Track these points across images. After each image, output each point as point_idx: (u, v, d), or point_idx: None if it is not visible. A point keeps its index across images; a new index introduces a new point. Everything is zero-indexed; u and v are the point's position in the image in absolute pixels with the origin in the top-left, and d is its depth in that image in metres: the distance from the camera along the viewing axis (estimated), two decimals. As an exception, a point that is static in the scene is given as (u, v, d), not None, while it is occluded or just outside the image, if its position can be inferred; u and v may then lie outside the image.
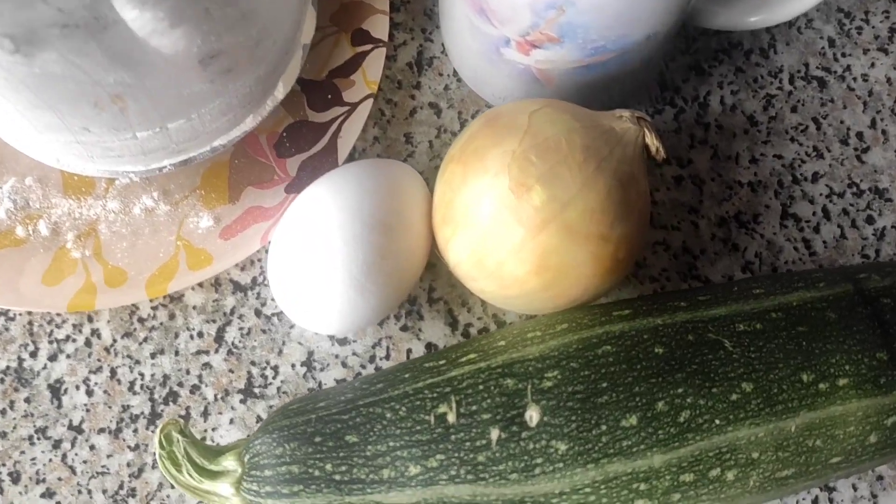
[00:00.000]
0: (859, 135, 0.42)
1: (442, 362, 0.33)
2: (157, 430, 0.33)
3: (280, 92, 0.40)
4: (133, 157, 0.38)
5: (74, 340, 0.40)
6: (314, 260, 0.35)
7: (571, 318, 0.34)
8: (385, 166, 0.38)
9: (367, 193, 0.36)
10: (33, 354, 0.40)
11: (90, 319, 0.40)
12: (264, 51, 0.37)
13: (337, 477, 0.32)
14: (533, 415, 0.31)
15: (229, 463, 0.33)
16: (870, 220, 0.41)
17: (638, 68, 0.39)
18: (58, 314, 0.40)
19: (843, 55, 0.43)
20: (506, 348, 0.33)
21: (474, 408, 0.31)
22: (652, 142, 0.35)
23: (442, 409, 0.32)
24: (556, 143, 0.33)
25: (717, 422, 0.30)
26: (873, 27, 0.44)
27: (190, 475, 0.33)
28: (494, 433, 0.31)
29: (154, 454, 0.38)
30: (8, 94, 0.32)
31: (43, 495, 0.38)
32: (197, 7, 0.31)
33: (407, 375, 0.33)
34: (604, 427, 0.31)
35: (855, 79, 0.43)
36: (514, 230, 0.33)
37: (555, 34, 0.34)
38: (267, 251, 0.40)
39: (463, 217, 0.34)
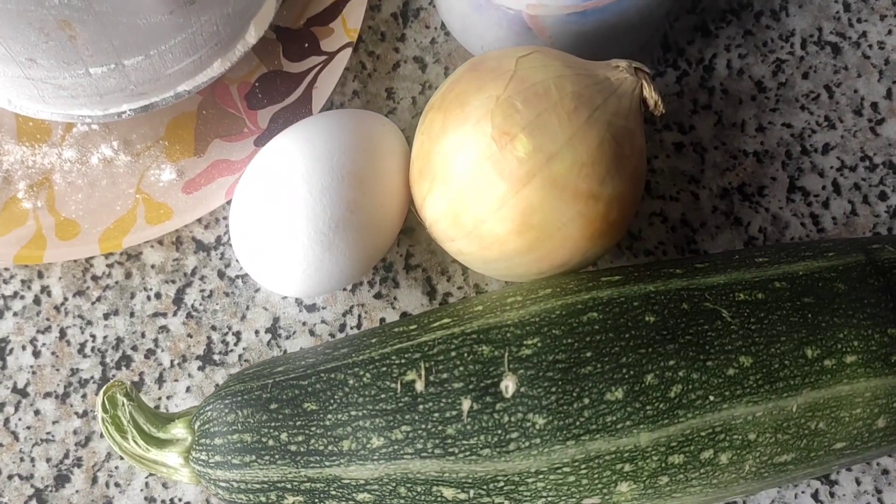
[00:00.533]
0: (874, 105, 0.39)
1: (413, 327, 0.30)
2: (101, 393, 0.30)
3: (251, 36, 0.37)
4: (89, 99, 0.35)
5: (22, 297, 0.37)
6: (278, 214, 0.32)
7: (556, 283, 0.31)
8: (360, 117, 0.35)
9: (337, 144, 0.33)
10: (-23, 311, 0.37)
11: (40, 276, 0.37)
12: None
13: (293, 448, 0.29)
14: (509, 385, 0.28)
15: (178, 430, 0.31)
16: (882, 196, 0.38)
17: (638, 22, 0.36)
18: (6, 269, 0.37)
19: (859, 21, 0.40)
20: (482, 313, 0.30)
21: (445, 376, 0.28)
22: (650, 94, 0.32)
23: (410, 376, 0.29)
24: (544, 89, 0.30)
25: (712, 398, 0.28)
26: (892, -9, 0.41)
27: (136, 442, 0.30)
28: (466, 404, 0.28)
29: (97, 415, 0.35)
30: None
31: (-20, 462, 0.35)
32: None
33: (374, 340, 0.30)
34: (586, 400, 0.28)
35: (871, 46, 0.40)
36: (495, 184, 0.30)
37: (548, -26, 0.31)
38: (233, 208, 0.37)
39: (441, 170, 0.31)
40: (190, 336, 0.37)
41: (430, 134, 0.32)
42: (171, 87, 0.36)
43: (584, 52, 0.37)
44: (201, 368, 0.36)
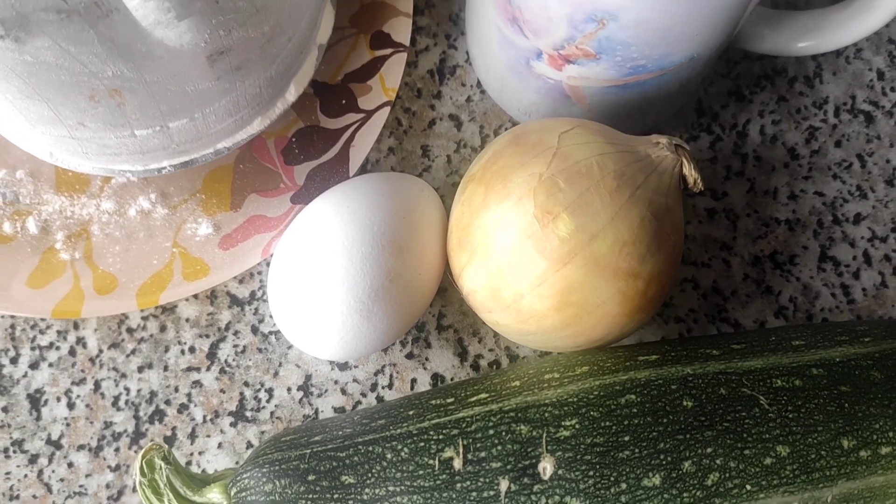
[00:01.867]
0: (907, 175, 0.40)
1: (450, 400, 0.31)
2: (139, 456, 0.30)
3: (291, 94, 0.37)
4: (131, 156, 0.35)
5: (58, 348, 0.37)
6: (317, 280, 0.32)
7: (593, 360, 0.31)
8: (399, 181, 0.35)
9: (378, 211, 0.33)
10: (14, 361, 0.37)
11: (76, 326, 0.37)
12: (277, 49, 0.34)
13: (329, 519, 0.29)
14: (547, 466, 0.28)
15: (214, 495, 0.31)
16: (914, 268, 0.39)
17: (676, 91, 0.36)
18: (42, 319, 0.37)
19: (893, 89, 0.41)
20: (520, 389, 0.30)
21: (483, 454, 0.29)
22: (690, 173, 0.32)
23: (448, 453, 0.29)
24: (587, 167, 0.30)
25: (749, 487, 0.28)
26: (927, 61, 0.41)
27: (171, 505, 0.31)
28: (504, 484, 0.28)
29: (135, 478, 0.36)
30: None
31: (13, 513, 0.36)
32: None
33: (411, 412, 0.31)
34: (623, 485, 0.28)
35: (905, 115, 0.40)
36: (535, 261, 0.30)
37: (592, 49, 0.32)
38: (268, 264, 0.38)
39: (481, 243, 0.32)
40: (223, 391, 0.37)
41: (470, 206, 0.32)
42: (212, 144, 0.36)
43: (621, 118, 0.37)
44: (233, 425, 0.37)
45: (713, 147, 0.40)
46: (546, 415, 0.29)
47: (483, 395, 0.30)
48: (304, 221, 0.34)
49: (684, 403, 0.29)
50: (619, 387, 0.29)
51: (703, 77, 0.38)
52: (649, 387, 0.29)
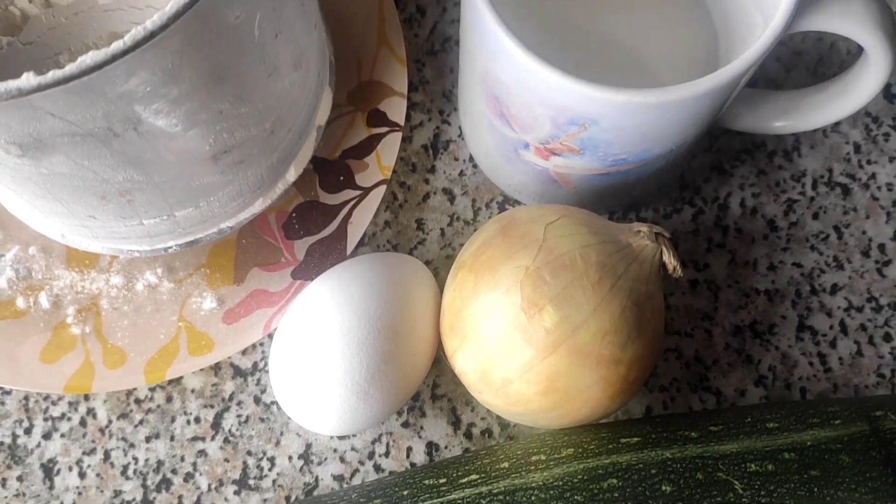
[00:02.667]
0: (881, 247, 0.41)
1: (442, 481, 0.32)
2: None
3: (291, 175, 0.39)
4: (139, 239, 0.37)
5: (69, 419, 0.39)
6: (316, 363, 0.34)
7: (578, 441, 0.33)
8: (394, 262, 0.37)
9: (374, 296, 0.35)
10: (28, 431, 0.39)
11: (86, 398, 0.39)
12: (278, 140, 0.36)
13: None
14: (533, 549, 0.30)
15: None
16: (887, 338, 0.40)
17: (659, 174, 0.38)
18: (53, 390, 0.39)
19: (869, 162, 0.42)
20: (508, 472, 0.32)
21: (473, 536, 0.30)
22: (669, 260, 0.34)
23: (439, 534, 0.31)
24: (570, 260, 0.32)
25: (723, 569, 0.29)
26: (901, 135, 0.43)
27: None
28: (492, 565, 0.30)
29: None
30: (13, 186, 0.32)
31: (27, 579, 0.37)
32: (211, 110, 0.30)
33: (406, 492, 0.32)
34: (605, 568, 0.30)
35: (879, 188, 0.42)
36: (522, 350, 0.32)
37: (575, 146, 0.33)
38: (270, 337, 0.40)
39: (471, 329, 0.33)
40: (227, 461, 0.39)
41: (461, 293, 0.34)
42: (216, 225, 0.38)
43: (606, 197, 0.39)
44: (237, 493, 0.38)
45: (695, 220, 0.42)
46: (533, 498, 0.31)
47: (474, 477, 0.32)
48: (304, 304, 0.36)
49: (663, 488, 0.30)
50: (602, 471, 0.31)
51: (686, 157, 0.40)
52: (630, 471, 0.31)
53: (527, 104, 0.32)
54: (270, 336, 0.40)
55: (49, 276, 0.40)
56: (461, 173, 0.42)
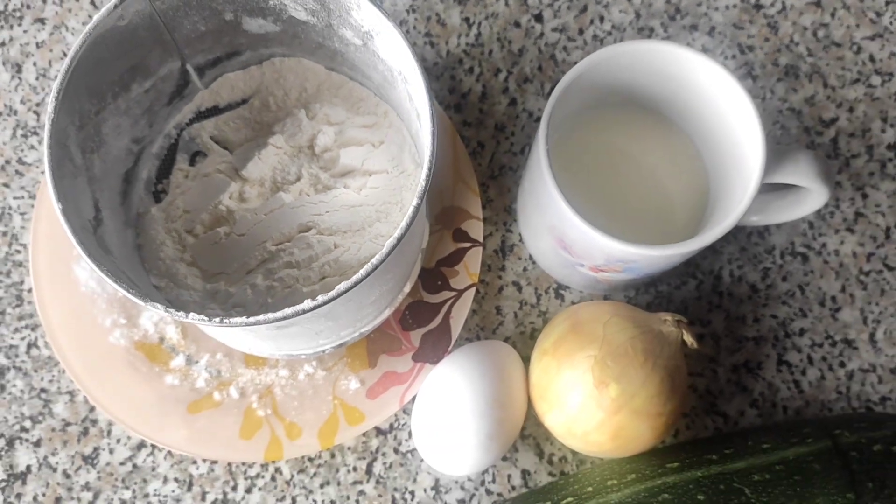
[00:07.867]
0: (833, 298, 0.57)
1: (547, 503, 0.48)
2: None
3: (407, 288, 0.54)
4: (308, 347, 0.52)
5: (263, 477, 0.54)
6: (450, 429, 0.49)
7: (636, 468, 0.48)
8: (494, 349, 0.52)
9: (486, 375, 0.50)
10: (234, 488, 0.54)
11: (273, 460, 0.54)
12: (405, 271, 0.51)
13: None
14: (618, 546, 0.46)
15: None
16: (842, 365, 0.56)
17: (671, 268, 0.53)
18: (248, 457, 0.54)
19: (820, 235, 0.58)
20: (593, 494, 0.47)
21: (577, 541, 0.46)
22: (688, 339, 0.49)
23: (554, 541, 0.46)
24: (624, 349, 0.48)
25: (742, 548, 0.45)
26: (842, 212, 0.58)
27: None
28: (592, 559, 0.46)
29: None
30: (243, 336, 0.46)
31: None
32: (387, 280, 0.45)
33: (524, 514, 0.48)
34: (666, 554, 0.45)
35: (829, 254, 0.58)
36: (596, 413, 0.47)
37: (619, 268, 0.49)
38: (403, 411, 0.55)
39: (557, 399, 0.49)
40: (380, 496, 0.54)
41: (547, 373, 0.49)
42: (359, 331, 0.53)
43: (634, 284, 0.54)
44: (391, 519, 0.54)
45: (698, 289, 0.57)
46: (614, 511, 0.46)
47: (570, 500, 0.48)
48: (435, 381, 0.51)
49: (699, 497, 0.46)
50: (657, 489, 0.47)
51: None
52: (676, 487, 0.47)
53: (586, 250, 0.47)
54: (404, 411, 0.55)
55: (234, 374, 0.55)
56: (524, 269, 0.57)
